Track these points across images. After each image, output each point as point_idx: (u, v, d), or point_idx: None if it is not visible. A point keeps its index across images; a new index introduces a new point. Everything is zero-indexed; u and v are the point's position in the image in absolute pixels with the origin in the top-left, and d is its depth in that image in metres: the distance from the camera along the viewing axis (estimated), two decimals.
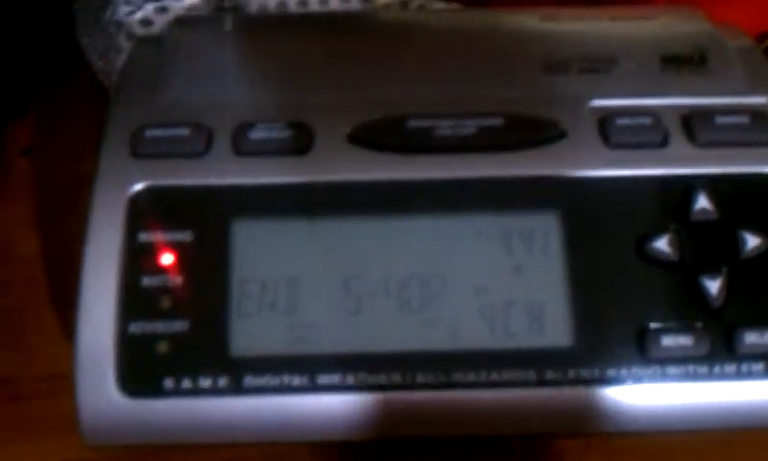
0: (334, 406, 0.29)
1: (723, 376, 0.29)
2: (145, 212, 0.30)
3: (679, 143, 0.31)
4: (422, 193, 0.30)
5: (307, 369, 0.29)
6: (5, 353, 0.38)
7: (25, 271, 0.40)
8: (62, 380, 0.33)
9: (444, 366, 0.29)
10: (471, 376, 0.29)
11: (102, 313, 0.29)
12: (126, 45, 0.39)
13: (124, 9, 0.39)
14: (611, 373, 0.29)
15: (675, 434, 0.30)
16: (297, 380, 0.29)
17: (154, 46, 0.35)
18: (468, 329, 0.29)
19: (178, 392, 0.28)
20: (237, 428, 0.29)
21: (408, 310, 0.29)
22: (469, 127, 0.31)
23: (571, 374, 0.29)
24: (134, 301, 0.29)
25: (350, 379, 0.29)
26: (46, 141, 0.45)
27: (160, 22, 0.39)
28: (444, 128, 0.31)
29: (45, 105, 0.46)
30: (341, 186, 0.30)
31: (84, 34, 0.44)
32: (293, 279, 0.29)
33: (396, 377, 0.29)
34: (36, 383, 0.37)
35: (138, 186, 0.30)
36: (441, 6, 0.39)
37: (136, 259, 0.29)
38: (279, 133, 0.31)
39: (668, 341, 0.29)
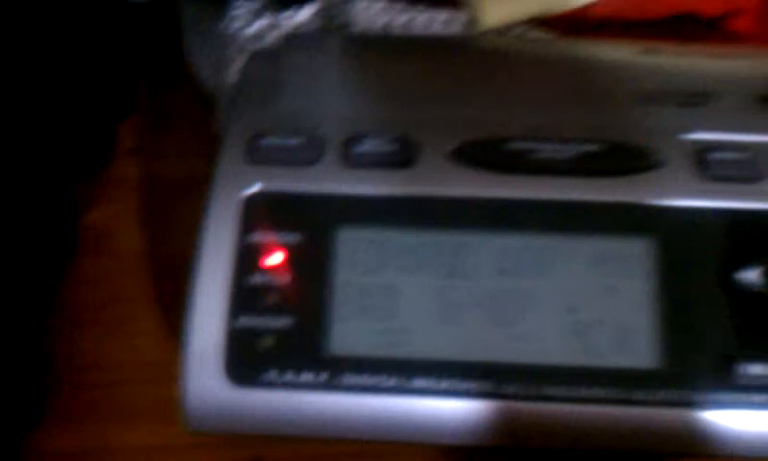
0: (425, 409, 0.30)
1: None
2: (258, 215, 0.32)
3: None
4: (520, 212, 0.32)
5: (401, 372, 0.30)
6: (107, 341, 0.40)
7: (127, 263, 0.42)
8: (161, 368, 0.35)
9: (533, 379, 0.30)
10: (558, 391, 0.30)
11: (213, 306, 0.31)
12: (236, 57, 0.41)
13: (237, 23, 0.41)
14: (695, 397, 0.29)
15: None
16: (391, 382, 0.30)
17: (267, 60, 0.37)
18: (558, 346, 0.30)
19: (279, 384, 0.30)
20: (332, 424, 0.30)
21: (500, 323, 0.31)
22: (568, 151, 0.32)
23: (657, 395, 0.30)
24: (244, 296, 0.31)
25: (442, 385, 0.30)
26: (150, 143, 0.47)
27: (271, 37, 0.41)
28: (544, 151, 0.33)
29: (151, 108, 0.48)
30: (441, 201, 0.32)
31: (191, 44, 0.46)
32: (391, 286, 0.31)
33: (486, 386, 0.30)
34: (137, 371, 0.39)
35: (253, 190, 0.32)
36: (538, 35, 0.41)
37: (247, 258, 0.31)
38: (385, 146, 0.33)
39: (754, 369, 0.29)
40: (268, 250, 0.31)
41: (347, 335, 0.30)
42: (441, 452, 0.34)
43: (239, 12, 0.42)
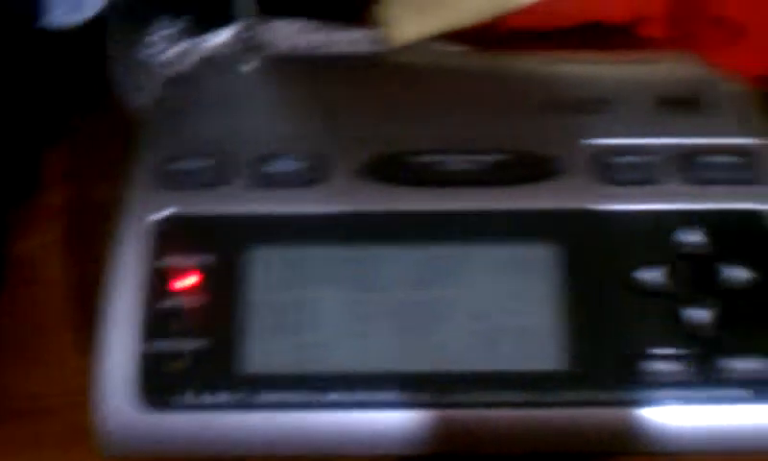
0: (341, 423, 0.30)
1: (710, 401, 0.30)
2: (168, 238, 0.32)
3: (670, 180, 0.33)
4: (428, 224, 0.32)
5: (315, 387, 0.30)
6: (31, 369, 0.40)
7: (52, 292, 0.42)
8: (85, 395, 0.35)
9: (444, 386, 0.30)
10: (469, 397, 0.30)
11: (124, 331, 0.31)
12: (155, 82, 0.41)
13: (156, 48, 0.42)
14: (601, 396, 0.30)
15: (663, 456, 0.32)
16: (305, 397, 0.30)
17: (181, 84, 0.38)
18: (468, 353, 0.31)
19: (194, 406, 0.30)
20: (249, 442, 0.31)
21: (412, 333, 0.31)
22: (474, 162, 0.33)
23: (563, 396, 0.30)
24: (156, 320, 0.31)
25: (357, 397, 0.30)
26: (77, 170, 0.47)
27: (189, 61, 0.41)
28: (450, 163, 0.33)
29: (78, 135, 0.48)
30: (352, 216, 0.32)
31: (116, 70, 0.46)
32: (304, 302, 0.31)
33: (400, 397, 0.30)
34: (61, 397, 0.39)
35: (163, 214, 0.32)
36: (451, 48, 0.41)
37: (159, 282, 0.31)
38: (295, 165, 0.33)
39: (656, 367, 0.30)
40: (180, 273, 0.32)
41: (261, 353, 0.31)
42: None
43: (158, 37, 0.43)
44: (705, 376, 0.30)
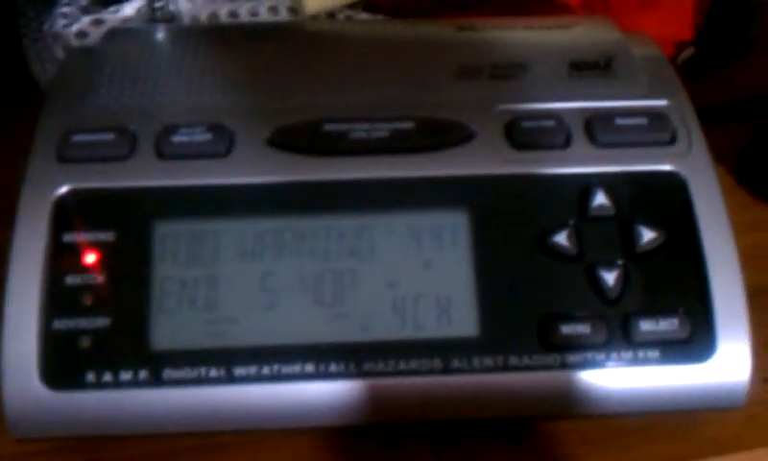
0: (250, 397, 0.30)
1: (620, 362, 0.30)
2: (69, 214, 0.31)
3: (580, 144, 0.33)
4: (337, 193, 0.32)
5: (224, 361, 0.30)
6: None
7: None
8: None
9: (356, 356, 0.30)
10: (381, 366, 0.30)
11: (26, 310, 0.30)
12: (62, 56, 0.40)
13: (61, 21, 0.41)
14: (513, 361, 0.30)
15: (573, 419, 0.32)
16: (214, 372, 0.30)
17: (85, 56, 0.36)
18: (379, 322, 0.30)
19: (100, 385, 0.30)
20: (157, 420, 0.30)
21: (322, 304, 0.31)
22: (382, 130, 0.33)
23: (476, 362, 0.30)
24: (58, 298, 0.30)
25: (265, 371, 0.30)
26: None
27: (96, 34, 0.40)
28: (359, 131, 0.33)
29: None
30: (259, 188, 0.32)
31: (28, 47, 0.45)
32: (212, 277, 0.31)
33: (310, 368, 0.30)
34: None
35: (63, 189, 0.31)
36: (366, 17, 0.41)
37: (60, 259, 0.31)
38: (200, 136, 0.32)
39: (567, 330, 0.30)
40: (81, 249, 0.31)
41: (167, 330, 0.30)
42: (282, 438, 0.34)
43: (65, 10, 0.41)
44: (614, 339, 0.30)
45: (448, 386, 0.30)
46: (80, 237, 0.31)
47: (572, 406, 0.30)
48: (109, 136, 0.32)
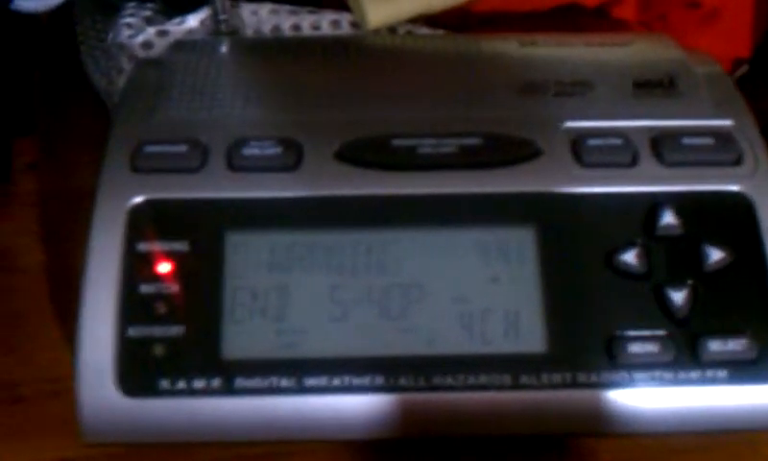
0: (320, 407, 0.30)
1: (687, 382, 0.30)
2: (143, 224, 0.32)
3: (647, 162, 0.33)
4: (405, 208, 0.32)
5: (294, 372, 0.30)
6: (7, 358, 0.40)
7: (27, 279, 0.42)
8: (62, 383, 0.35)
9: (425, 370, 0.30)
10: (450, 380, 0.30)
11: (102, 318, 0.30)
12: (127, 67, 0.41)
13: (126, 32, 0.41)
14: (582, 377, 0.30)
15: (642, 437, 0.32)
16: (284, 382, 0.30)
17: (153, 67, 0.37)
18: (446, 336, 0.31)
19: (173, 392, 0.30)
20: (228, 428, 0.30)
21: (390, 317, 0.31)
22: (450, 146, 0.33)
23: (545, 378, 0.30)
24: (133, 306, 0.31)
25: (335, 382, 0.30)
26: (51, 157, 0.46)
27: (161, 45, 0.40)
28: (426, 146, 0.33)
29: (51, 122, 0.48)
30: (327, 201, 0.32)
31: (87, 55, 0.46)
32: (282, 288, 0.31)
33: (380, 381, 0.30)
34: (38, 385, 0.38)
35: (137, 199, 0.32)
36: (426, 31, 0.41)
37: (135, 268, 0.31)
38: (270, 149, 0.33)
39: (635, 348, 0.30)
40: (155, 258, 0.31)
41: (239, 339, 0.31)
42: (346, 449, 0.35)
43: (128, 21, 0.42)
44: (682, 358, 0.30)
45: (517, 402, 0.30)
46: (154, 247, 0.31)
47: (639, 424, 0.31)
48: (182, 148, 0.33)
